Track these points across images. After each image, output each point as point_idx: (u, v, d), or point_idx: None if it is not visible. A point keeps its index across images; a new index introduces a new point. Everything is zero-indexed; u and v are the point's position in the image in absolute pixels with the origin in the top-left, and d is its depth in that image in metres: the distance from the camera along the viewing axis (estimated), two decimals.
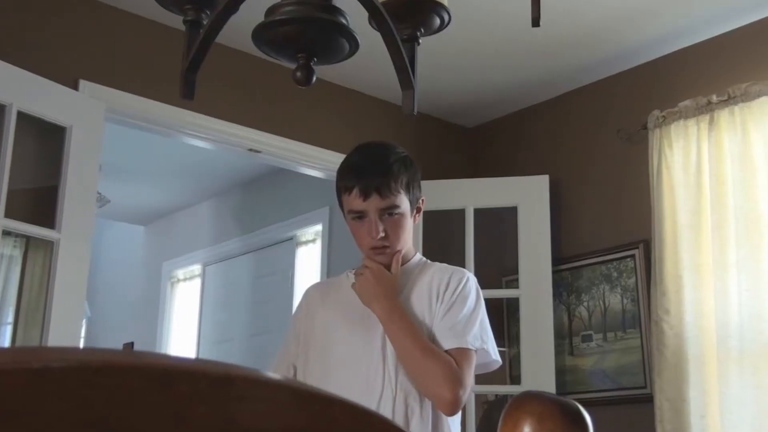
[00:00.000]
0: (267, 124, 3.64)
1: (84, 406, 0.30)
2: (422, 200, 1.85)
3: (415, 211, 1.82)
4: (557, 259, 3.84)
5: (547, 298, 3.73)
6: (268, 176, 5.38)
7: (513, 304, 3.95)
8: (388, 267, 1.78)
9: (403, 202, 1.76)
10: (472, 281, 1.80)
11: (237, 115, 3.55)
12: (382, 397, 1.68)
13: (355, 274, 1.82)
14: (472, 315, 1.75)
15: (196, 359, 0.35)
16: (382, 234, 1.74)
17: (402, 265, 1.81)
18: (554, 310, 3.76)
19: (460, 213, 3.90)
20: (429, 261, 1.88)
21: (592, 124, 3.93)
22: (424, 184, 4.02)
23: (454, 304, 1.74)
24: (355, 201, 1.73)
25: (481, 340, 1.74)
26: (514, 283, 3.90)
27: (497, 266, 4.09)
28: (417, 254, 1.88)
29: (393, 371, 1.70)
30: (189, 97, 1.34)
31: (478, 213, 3.90)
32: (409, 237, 1.82)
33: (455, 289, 1.76)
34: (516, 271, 3.83)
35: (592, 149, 3.91)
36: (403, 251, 1.80)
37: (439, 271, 1.81)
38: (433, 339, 1.72)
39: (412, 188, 1.79)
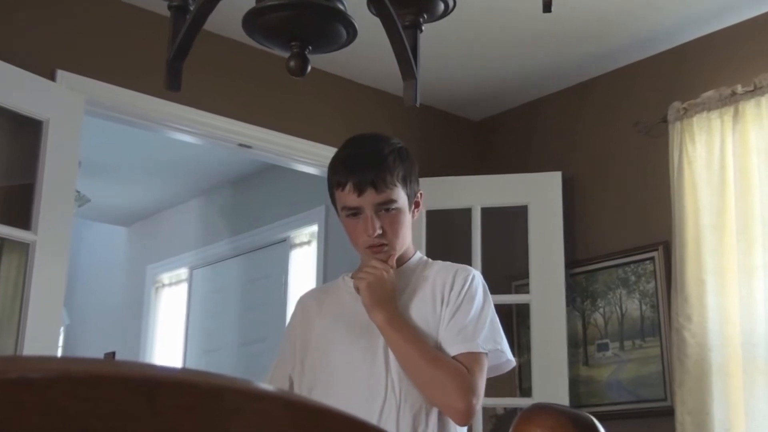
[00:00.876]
0: (258, 118, 3.64)
1: (64, 419, 0.30)
2: (420, 194, 1.85)
3: (413, 206, 1.82)
4: (571, 262, 3.84)
5: (560, 303, 3.74)
6: (260, 173, 5.38)
7: (523, 311, 3.95)
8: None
9: (401, 196, 1.76)
10: (478, 278, 1.80)
11: (226, 107, 3.55)
12: (384, 407, 1.68)
13: (353, 277, 1.81)
14: (481, 315, 1.75)
15: (184, 369, 0.35)
16: (379, 231, 1.74)
17: (401, 264, 1.81)
18: (567, 317, 3.77)
19: (466, 212, 3.90)
20: (430, 260, 1.88)
21: (608, 116, 3.93)
22: (427, 181, 4.03)
23: (461, 306, 1.74)
24: (348, 197, 1.73)
25: (494, 341, 1.74)
26: (524, 288, 3.90)
27: (506, 270, 4.09)
28: (417, 252, 1.88)
29: (396, 380, 1.70)
30: (175, 88, 1.34)
31: (486, 212, 3.90)
32: (408, 234, 1.82)
33: (461, 290, 1.76)
34: (526, 275, 3.83)
35: (608, 144, 3.91)
36: (401, 250, 1.80)
37: (442, 270, 1.81)
38: (439, 345, 1.72)
39: (409, 181, 1.79)
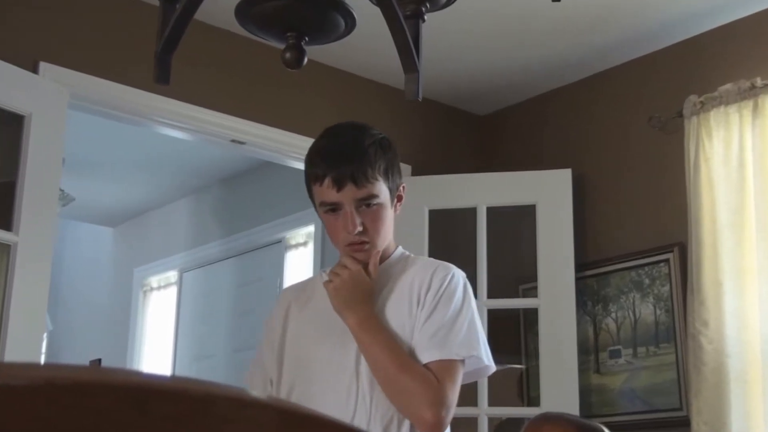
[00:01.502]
0: (252, 112, 3.64)
1: (49, 429, 0.30)
2: (403, 187, 1.83)
3: (395, 200, 1.80)
4: (581, 265, 3.84)
5: (570, 308, 3.74)
6: (254, 171, 5.38)
7: (531, 316, 3.95)
8: (366, 266, 1.77)
9: (382, 190, 1.74)
10: (458, 277, 1.77)
11: (218, 101, 3.56)
12: (354, 419, 1.67)
13: (329, 274, 1.81)
14: (458, 318, 1.72)
15: (174, 377, 0.35)
16: (359, 228, 1.72)
17: (381, 262, 1.80)
18: (578, 322, 3.77)
19: (471, 212, 3.91)
20: (412, 256, 1.86)
21: (621, 111, 3.93)
22: (430, 179, 4.02)
23: (436, 308, 1.72)
24: (327, 192, 1.72)
25: (469, 347, 1.71)
26: (532, 292, 3.91)
27: (513, 273, 4.09)
28: (398, 248, 1.86)
29: (368, 388, 1.68)
30: (164, 81, 1.34)
31: (492, 212, 3.90)
32: (390, 230, 1.81)
33: (438, 290, 1.73)
34: (534, 278, 3.83)
35: (620, 139, 3.92)
36: (383, 247, 1.79)
37: (421, 269, 1.79)
38: (412, 351, 1.70)
39: (391, 174, 1.77)
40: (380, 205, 1.74)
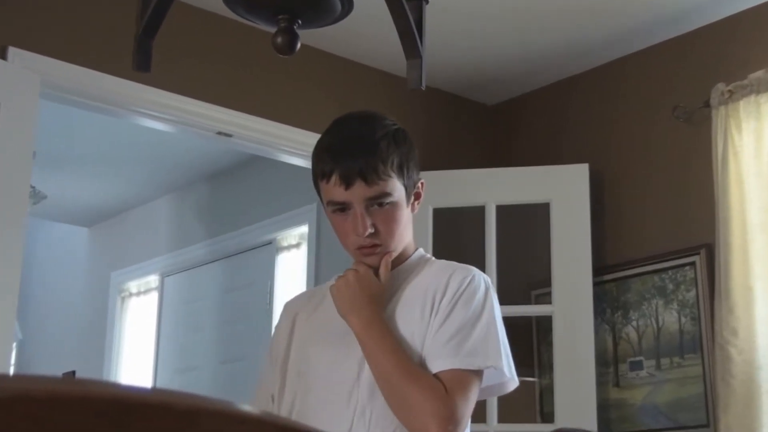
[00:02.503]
0: (240, 102, 3.64)
1: None
2: (422, 183, 1.82)
3: (413, 198, 1.79)
4: (599, 268, 3.85)
5: (587, 316, 3.74)
6: (242, 166, 5.38)
7: (545, 324, 3.95)
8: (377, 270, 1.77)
9: (396, 188, 1.73)
10: (479, 280, 1.75)
11: (203, 90, 3.56)
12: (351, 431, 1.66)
13: (337, 278, 1.81)
14: (476, 324, 1.69)
15: (156, 390, 0.35)
16: (370, 230, 1.70)
17: (398, 265, 1.79)
18: (596, 331, 3.77)
19: (479, 211, 3.91)
20: (433, 258, 1.85)
21: (643, 100, 3.94)
22: (435, 175, 4.03)
23: (453, 312, 1.69)
24: (334, 190, 1.70)
25: (486, 356, 1.68)
26: (546, 298, 3.91)
27: (525, 277, 4.09)
28: (418, 250, 1.85)
29: (367, 400, 1.67)
30: (144, 68, 1.34)
31: (502, 211, 3.90)
32: (407, 231, 1.79)
33: (455, 293, 1.71)
34: (548, 283, 3.83)
35: (642, 132, 3.92)
36: (398, 250, 1.78)
37: (438, 271, 1.77)
38: (423, 360, 1.68)
39: (406, 170, 1.75)
40: (394, 205, 1.73)
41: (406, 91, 1.54)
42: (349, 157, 1.69)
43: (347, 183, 1.69)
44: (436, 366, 1.66)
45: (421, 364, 1.67)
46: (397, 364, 1.65)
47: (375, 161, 1.69)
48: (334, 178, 1.70)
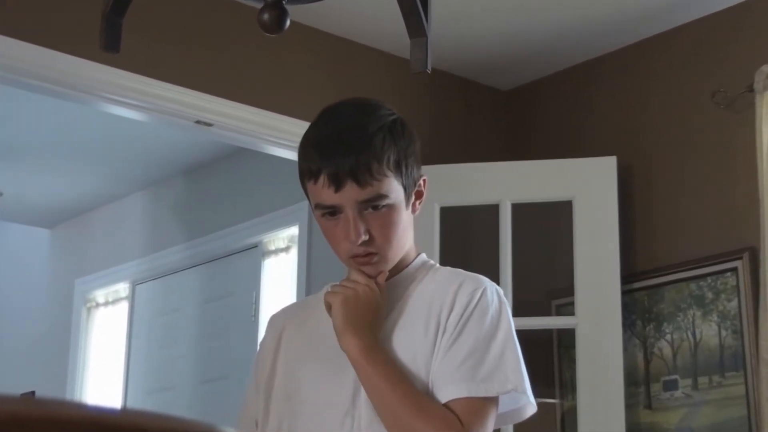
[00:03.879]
0: (222, 87, 3.64)
1: None
2: (424, 180, 1.81)
3: (413, 198, 1.78)
4: (629, 275, 3.85)
5: (615, 329, 3.74)
6: (224, 159, 5.39)
7: (567, 338, 3.96)
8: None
9: (393, 188, 1.71)
10: (491, 292, 1.74)
11: (180, 74, 3.56)
12: None
13: (333, 286, 1.79)
14: (491, 342, 1.69)
15: (130, 411, 0.35)
16: (364, 237, 1.69)
17: (397, 273, 1.78)
18: (625, 347, 3.77)
19: (493, 210, 3.91)
20: (437, 266, 1.84)
21: (678, 84, 3.94)
22: (442, 169, 4.02)
23: (463, 332, 1.68)
24: (322, 192, 1.69)
25: (504, 380, 1.67)
26: (568, 309, 3.91)
27: (544, 285, 4.09)
28: (421, 256, 1.84)
29: (366, 428, 1.67)
30: (113, 48, 1.34)
31: (518, 210, 3.91)
32: (407, 235, 1.78)
33: (465, 308, 1.70)
34: (571, 292, 3.84)
35: (677, 120, 3.92)
36: (397, 258, 1.77)
37: (444, 283, 1.76)
38: (431, 386, 1.68)
39: (405, 167, 1.74)
40: (391, 207, 1.71)
41: (410, 74, 1.54)
42: (338, 155, 1.68)
43: (337, 184, 1.67)
44: (447, 394, 1.65)
45: (427, 393, 1.66)
46: (403, 394, 1.64)
47: (368, 159, 1.67)
48: (322, 179, 1.68)
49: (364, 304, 1.71)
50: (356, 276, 1.74)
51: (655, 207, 3.92)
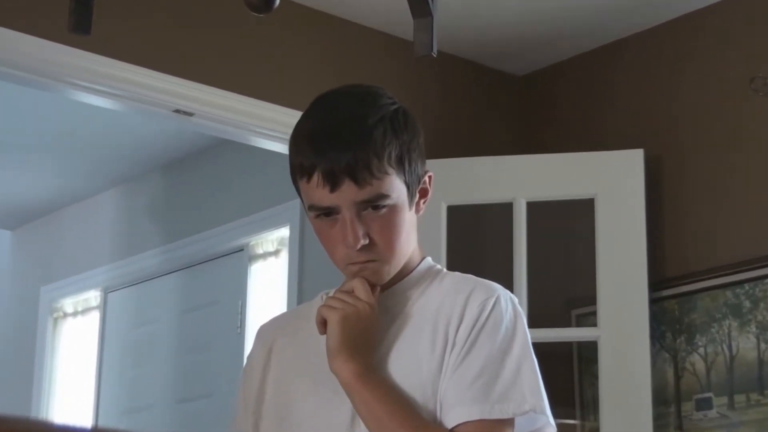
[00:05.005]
0: (204, 72, 3.64)
1: None
2: (429, 177, 1.80)
3: (417, 197, 1.78)
4: (657, 282, 3.85)
5: (642, 341, 3.74)
6: (206, 152, 5.38)
7: (588, 351, 3.96)
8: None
9: (395, 187, 1.71)
10: (505, 301, 1.73)
11: (157, 58, 3.56)
12: None
13: (328, 298, 1.79)
14: (506, 358, 1.68)
15: (102, 430, 0.36)
16: (363, 241, 1.69)
17: (400, 279, 1.78)
18: (653, 361, 3.77)
19: (506, 209, 3.91)
20: (444, 271, 1.84)
21: (713, 69, 3.93)
22: (450, 163, 4.02)
23: (475, 345, 1.68)
24: (317, 192, 1.69)
25: (522, 399, 1.66)
26: (589, 319, 3.91)
27: (563, 292, 4.09)
28: (426, 260, 1.84)
29: None
30: (83, 30, 1.34)
31: (534, 209, 3.91)
32: (411, 238, 1.78)
33: (476, 319, 1.69)
34: (592, 300, 3.83)
35: (711, 108, 3.92)
36: (399, 265, 1.77)
37: (452, 288, 1.76)
38: (435, 408, 1.67)
39: (408, 162, 1.73)
40: (392, 208, 1.71)
41: (414, 58, 1.54)
42: (334, 150, 1.67)
43: (332, 183, 1.67)
44: (457, 416, 1.64)
45: (430, 415, 1.66)
46: (405, 420, 1.64)
47: (367, 154, 1.67)
48: (315, 177, 1.68)
49: (365, 324, 1.70)
50: (359, 288, 1.72)
51: (687, 205, 3.92)
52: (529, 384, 1.68)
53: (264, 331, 1.92)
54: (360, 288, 1.72)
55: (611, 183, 3.87)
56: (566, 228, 4.13)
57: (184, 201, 5.57)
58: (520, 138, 4.34)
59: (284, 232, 5.00)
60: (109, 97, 3.59)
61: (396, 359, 1.71)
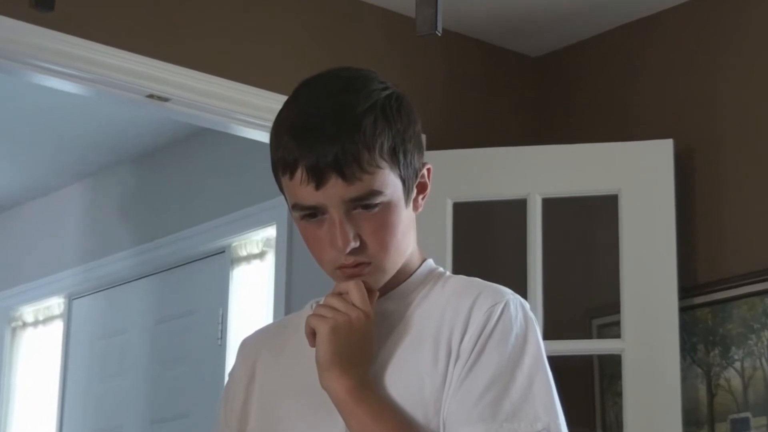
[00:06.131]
0: (180, 53, 3.64)
1: None
2: (428, 170, 1.79)
3: (414, 193, 1.77)
4: (689, 288, 3.85)
5: (671, 355, 3.74)
6: (182, 143, 5.38)
7: (611, 366, 3.96)
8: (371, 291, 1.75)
9: (389, 182, 1.71)
10: (515, 308, 1.73)
11: (128, 37, 3.56)
12: None
13: (318, 306, 1.79)
14: (517, 371, 1.68)
15: None
16: (354, 244, 1.69)
17: (398, 284, 1.78)
18: (683, 377, 3.77)
19: (519, 206, 3.91)
20: (447, 274, 1.84)
21: (755, 51, 3.94)
22: (456, 155, 4.02)
23: (481, 357, 1.68)
24: (301, 189, 1.69)
25: (534, 417, 1.66)
26: (612, 330, 3.91)
27: (583, 300, 4.09)
28: (426, 263, 1.84)
29: None
30: (46, 6, 1.35)
31: (551, 206, 3.91)
32: (408, 239, 1.77)
33: (482, 328, 1.69)
34: (616, 309, 3.84)
35: (750, 95, 3.92)
36: (397, 266, 1.77)
37: (457, 293, 1.76)
38: (441, 427, 1.67)
39: (403, 154, 1.73)
40: (386, 206, 1.71)
41: (417, 38, 1.55)
42: (319, 142, 1.66)
43: (318, 180, 1.66)
44: None
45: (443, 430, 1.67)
46: None
47: (356, 146, 1.66)
48: (299, 173, 1.67)
49: (359, 335, 1.70)
50: (353, 292, 1.71)
51: (722, 203, 3.92)
52: (543, 400, 1.68)
53: (247, 344, 1.92)
54: (355, 292, 1.71)
55: (637, 177, 3.88)
56: (586, 227, 4.13)
57: (159, 197, 5.57)
58: (534, 127, 4.34)
59: (270, 231, 5.01)
60: (75, 80, 3.59)
61: (394, 375, 1.72)
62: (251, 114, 3.77)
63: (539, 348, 1.72)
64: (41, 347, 6.13)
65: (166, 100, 3.69)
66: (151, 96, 3.66)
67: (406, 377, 1.71)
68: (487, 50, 4.37)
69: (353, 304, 1.71)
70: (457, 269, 1.98)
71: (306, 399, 1.75)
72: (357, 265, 1.71)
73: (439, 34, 1.40)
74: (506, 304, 1.72)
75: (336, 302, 1.72)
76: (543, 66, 4.46)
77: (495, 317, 1.70)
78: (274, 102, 3.65)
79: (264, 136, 3.83)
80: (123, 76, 3.57)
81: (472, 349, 1.68)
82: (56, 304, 6.07)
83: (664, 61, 4.15)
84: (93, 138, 5.45)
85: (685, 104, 4.06)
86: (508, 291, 1.75)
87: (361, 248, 1.70)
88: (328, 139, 1.66)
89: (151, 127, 5.26)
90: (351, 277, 1.71)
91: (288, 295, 4.73)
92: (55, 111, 5.03)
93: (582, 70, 4.38)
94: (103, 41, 3.50)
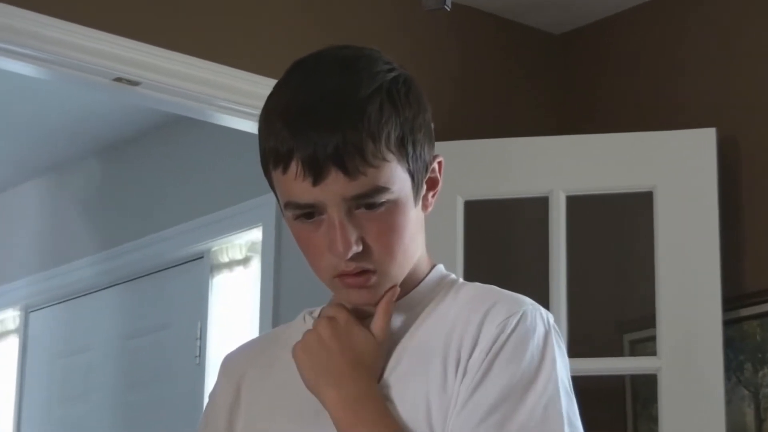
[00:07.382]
0: (152, 31, 3.65)
1: None
2: (439, 163, 1.79)
3: (424, 189, 1.77)
4: (734, 298, 3.85)
5: (715, 373, 3.75)
6: (155, 133, 5.39)
7: (646, 387, 3.97)
8: (363, 314, 1.76)
9: (396, 177, 1.70)
10: (534, 319, 1.72)
11: (93, 13, 3.57)
12: None
13: (321, 315, 1.80)
14: (530, 390, 1.68)
15: None
16: (356, 248, 1.69)
17: (407, 293, 1.79)
18: (728, 398, 3.78)
19: (540, 204, 3.92)
20: (460, 281, 1.84)
21: None
22: (470, 146, 4.02)
23: (490, 372, 1.68)
24: (295, 185, 1.68)
25: None
26: (647, 346, 3.92)
27: (613, 312, 4.10)
28: (436, 269, 1.85)
29: None
30: None
31: (576, 204, 3.91)
32: (417, 242, 1.78)
33: (494, 341, 1.69)
34: (651, 323, 3.84)
35: None
36: (404, 273, 1.77)
37: (469, 303, 1.76)
38: None
39: (412, 145, 1.72)
40: (393, 204, 1.70)
41: (423, 13, 1.55)
42: (317, 131, 1.65)
43: (316, 174, 1.65)
44: None
45: None
46: None
47: (360, 136, 1.66)
48: (293, 166, 1.66)
49: (336, 345, 1.71)
50: (333, 310, 1.74)
51: None
52: (557, 425, 1.67)
53: (231, 361, 1.93)
54: (330, 306, 1.77)
55: (675, 171, 3.88)
56: (617, 229, 4.14)
57: (127, 195, 5.58)
58: (558, 114, 4.35)
59: (255, 234, 5.01)
60: (32, 61, 3.59)
61: (400, 394, 1.72)
62: (235, 100, 3.78)
63: (560, 365, 1.71)
64: None
65: (136, 84, 3.69)
66: (118, 79, 3.67)
67: (411, 400, 1.71)
68: (504, 27, 4.37)
69: (324, 317, 1.74)
70: (469, 276, 1.97)
71: (299, 421, 1.76)
72: (359, 272, 1.71)
73: (449, 9, 1.40)
74: (523, 315, 1.71)
75: (324, 315, 1.76)
76: (567, 44, 4.47)
77: (509, 330, 1.69)
78: (262, 87, 3.66)
79: (250, 126, 3.84)
80: (86, 56, 3.57)
81: (480, 364, 1.68)
82: (11, 317, 6.08)
83: (705, 39, 4.15)
84: (51, 128, 5.46)
85: (730, 89, 4.06)
86: (527, 301, 1.75)
87: (364, 253, 1.69)
88: (328, 126, 1.65)
89: (119, 115, 5.27)
90: (353, 287, 1.71)
91: (276, 307, 4.73)
92: (9, 98, 5.03)
93: (612, 49, 4.38)
94: (64, 17, 3.51)
